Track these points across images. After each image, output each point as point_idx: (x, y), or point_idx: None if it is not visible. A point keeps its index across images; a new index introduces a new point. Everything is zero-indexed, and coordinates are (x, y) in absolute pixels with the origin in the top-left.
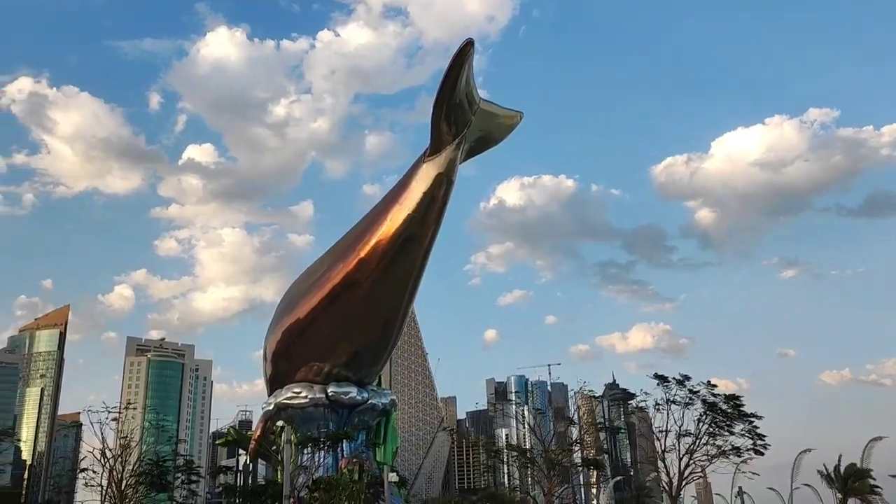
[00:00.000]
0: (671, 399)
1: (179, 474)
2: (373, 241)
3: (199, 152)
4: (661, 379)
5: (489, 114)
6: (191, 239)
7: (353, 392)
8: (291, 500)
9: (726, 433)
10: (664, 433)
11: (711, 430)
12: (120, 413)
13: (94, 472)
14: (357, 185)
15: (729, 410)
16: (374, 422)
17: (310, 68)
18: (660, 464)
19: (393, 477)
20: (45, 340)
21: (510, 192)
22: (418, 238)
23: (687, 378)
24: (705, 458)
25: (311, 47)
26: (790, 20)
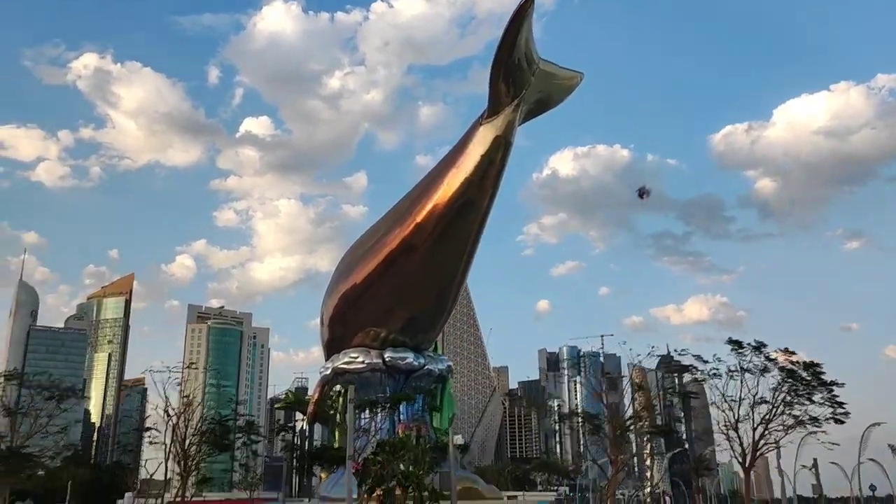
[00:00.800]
0: (744, 367)
1: (240, 434)
2: (429, 206)
3: (255, 125)
4: (736, 344)
5: (549, 74)
6: (248, 210)
7: (410, 357)
8: (354, 462)
9: (805, 402)
10: (737, 402)
11: (790, 398)
12: (182, 372)
13: (158, 430)
14: (410, 156)
15: (808, 378)
16: (430, 388)
17: (363, 40)
18: (732, 434)
19: (458, 439)
20: (111, 308)
21: (563, 163)
22: (476, 202)
23: (763, 345)
24: (781, 427)
25: (365, 19)
26: None
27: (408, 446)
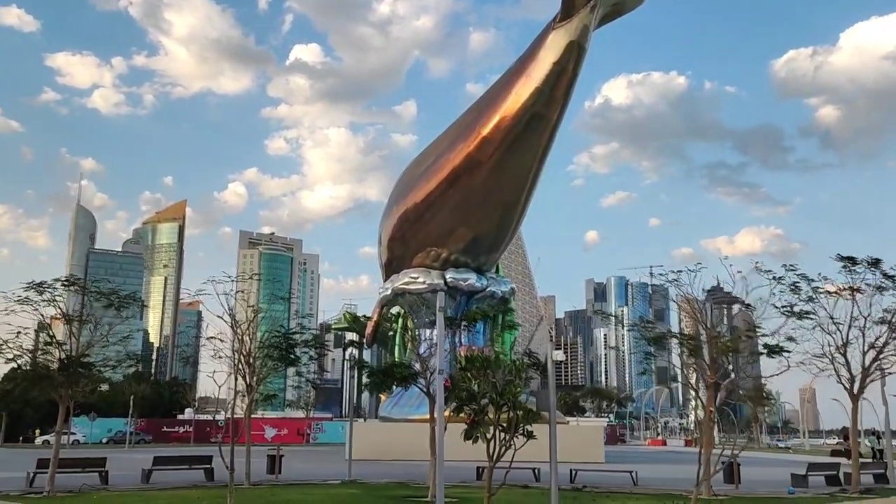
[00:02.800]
0: (855, 287)
1: (307, 349)
2: (496, 118)
3: (305, 52)
4: (849, 260)
5: None
6: (298, 138)
7: (473, 279)
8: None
9: None
10: (847, 324)
11: None
12: (238, 281)
13: (222, 340)
14: (460, 84)
15: None
16: (492, 310)
17: None
18: (840, 358)
19: (559, 355)
20: (165, 233)
21: (617, 91)
22: (546, 114)
23: (879, 261)
24: (893, 352)
25: None
26: None
27: (503, 363)
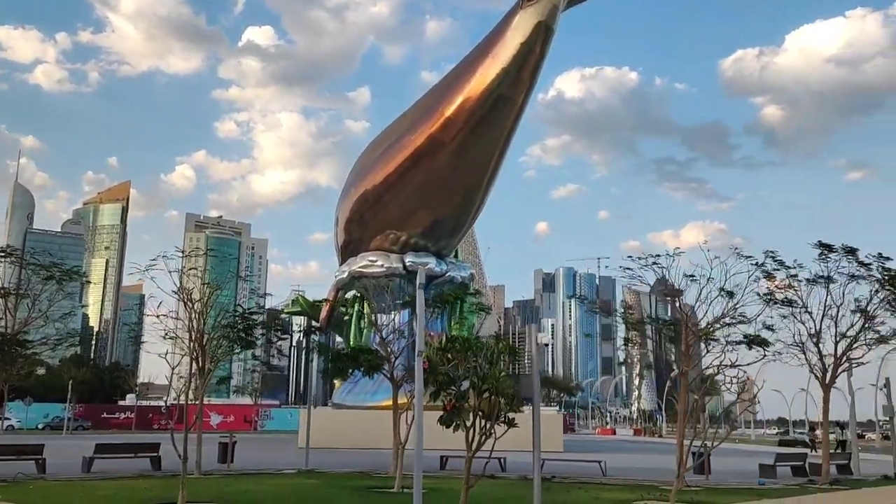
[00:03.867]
0: (828, 275)
1: (266, 330)
2: (460, 99)
3: (258, 34)
4: (826, 248)
5: None
6: (250, 122)
7: (432, 263)
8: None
9: None
10: (821, 312)
11: (891, 308)
12: (185, 256)
13: (175, 318)
14: (415, 71)
15: None
16: (452, 296)
17: None
18: (812, 347)
19: (543, 338)
20: (108, 214)
21: (570, 84)
22: (512, 96)
23: (855, 249)
24: (863, 343)
25: None
26: None
27: (483, 345)
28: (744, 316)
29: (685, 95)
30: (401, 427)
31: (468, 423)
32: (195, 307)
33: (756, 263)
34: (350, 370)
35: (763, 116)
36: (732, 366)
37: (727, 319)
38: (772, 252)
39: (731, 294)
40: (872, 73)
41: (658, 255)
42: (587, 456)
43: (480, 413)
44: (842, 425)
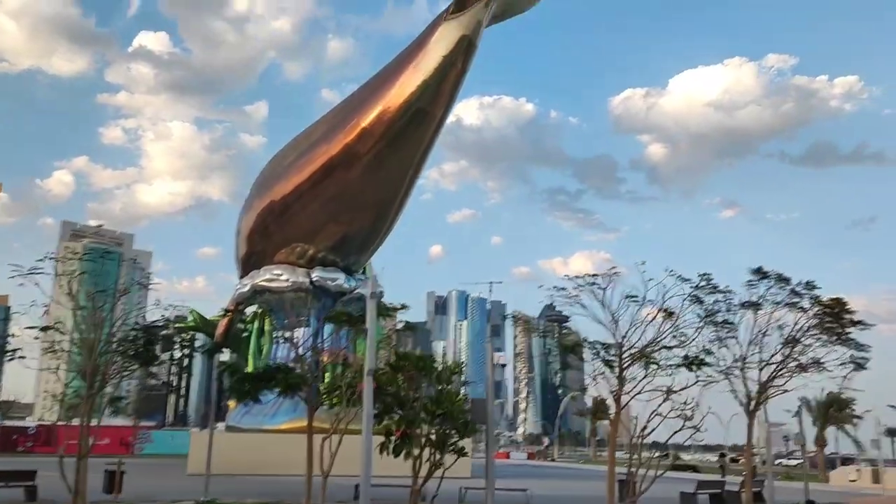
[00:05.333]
0: (755, 301)
1: (174, 342)
2: (378, 109)
3: (151, 40)
4: (761, 274)
5: None
6: (138, 129)
7: (341, 279)
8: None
9: (833, 342)
10: (751, 341)
11: (821, 335)
12: (60, 262)
13: (61, 332)
14: (315, 89)
15: (831, 317)
16: (360, 313)
17: None
18: (738, 373)
19: (501, 358)
20: None
21: (469, 111)
22: (431, 110)
23: (787, 278)
24: (786, 371)
25: None
26: None
27: (431, 363)
28: (684, 335)
29: (578, 129)
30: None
31: (416, 452)
32: (82, 317)
33: (696, 286)
34: (260, 391)
35: (647, 153)
36: (669, 392)
37: (667, 341)
38: (707, 275)
39: (670, 314)
40: (746, 119)
41: (595, 275)
42: (507, 483)
43: (431, 441)
44: (723, 453)
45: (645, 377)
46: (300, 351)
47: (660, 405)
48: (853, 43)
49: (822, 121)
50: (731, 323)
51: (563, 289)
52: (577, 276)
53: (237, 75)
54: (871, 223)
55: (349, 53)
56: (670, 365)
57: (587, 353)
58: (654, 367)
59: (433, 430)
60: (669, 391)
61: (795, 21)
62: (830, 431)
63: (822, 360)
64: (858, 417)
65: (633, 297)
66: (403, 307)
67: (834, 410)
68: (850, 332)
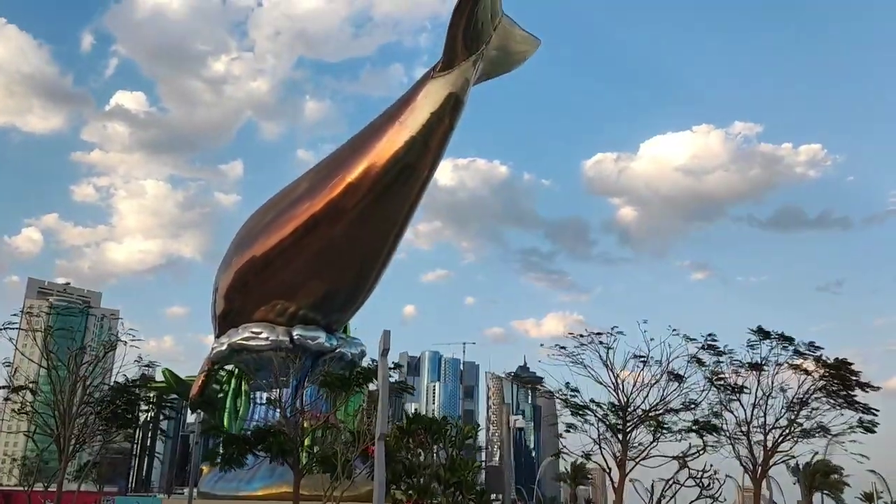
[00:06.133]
0: (759, 363)
1: (149, 406)
2: (365, 164)
3: (129, 99)
4: (763, 334)
5: (509, 33)
6: (110, 187)
7: (322, 338)
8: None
9: (841, 405)
10: (755, 404)
11: (831, 399)
12: (22, 324)
13: (33, 392)
14: (291, 148)
15: (837, 379)
16: (340, 374)
17: (255, 27)
18: (742, 439)
19: (520, 421)
20: None
21: (443, 172)
22: (418, 166)
23: (790, 338)
24: (790, 436)
25: (259, 5)
26: (725, 35)
27: (444, 426)
28: (693, 402)
29: (550, 191)
30: None
31: None
32: (57, 376)
33: (702, 346)
34: (247, 455)
35: (619, 216)
36: (683, 459)
37: (674, 404)
38: (712, 336)
39: (679, 378)
40: (714, 184)
41: (600, 333)
42: None
43: None
44: None
45: (653, 442)
46: (287, 413)
47: (676, 472)
48: (816, 112)
49: (788, 186)
50: (740, 387)
51: (563, 347)
52: (580, 335)
53: (213, 134)
54: (838, 287)
55: (326, 115)
56: (679, 430)
57: (591, 417)
58: (664, 431)
59: (447, 501)
60: (685, 458)
61: (760, 90)
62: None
63: (827, 426)
64: (846, 484)
65: (640, 357)
66: (398, 366)
67: (821, 476)
68: (855, 395)
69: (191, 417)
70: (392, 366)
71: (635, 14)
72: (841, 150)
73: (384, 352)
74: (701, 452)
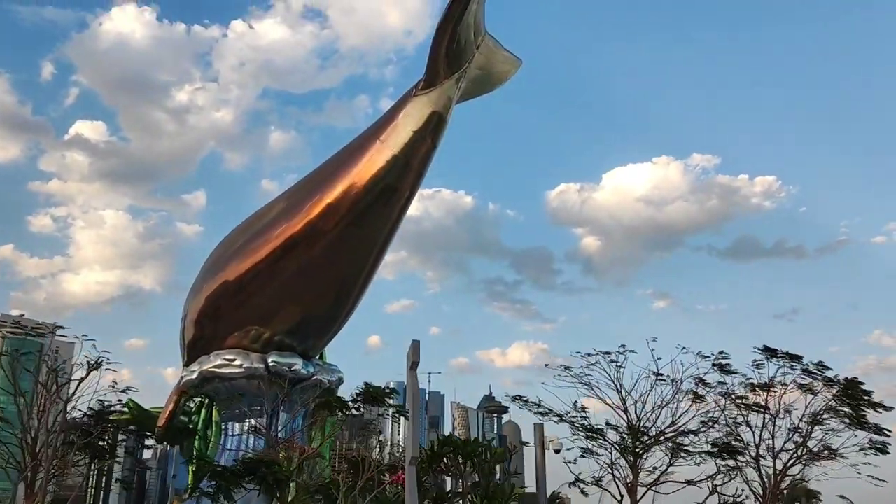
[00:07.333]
0: (769, 382)
1: (126, 436)
2: (344, 185)
3: (88, 129)
4: (770, 352)
5: (491, 52)
6: (68, 217)
7: (298, 364)
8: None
9: (852, 426)
10: (763, 425)
11: (843, 419)
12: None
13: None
14: (255, 179)
15: (848, 399)
16: (314, 402)
17: (219, 57)
18: (752, 461)
19: (555, 444)
20: None
21: None
22: (399, 186)
23: (800, 357)
24: (800, 459)
25: (224, 36)
26: (684, 69)
27: (477, 449)
28: (713, 420)
29: (515, 221)
30: None
31: None
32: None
33: (715, 364)
34: (237, 487)
35: (582, 246)
36: (713, 484)
37: (690, 424)
38: (724, 354)
39: (700, 397)
40: (674, 214)
41: (609, 353)
42: None
43: None
44: None
45: (669, 465)
46: (276, 441)
47: (706, 498)
48: (770, 144)
49: (744, 217)
50: (761, 406)
51: (568, 368)
52: (588, 354)
53: (176, 164)
54: (794, 314)
55: (291, 145)
56: (699, 452)
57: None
58: (683, 454)
59: None
60: (714, 482)
61: (716, 123)
62: None
63: (836, 448)
64: None
65: (659, 375)
66: (393, 392)
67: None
68: (866, 415)
69: (147, 453)
70: (388, 391)
71: (597, 46)
72: (794, 182)
73: (413, 364)
74: (734, 476)
